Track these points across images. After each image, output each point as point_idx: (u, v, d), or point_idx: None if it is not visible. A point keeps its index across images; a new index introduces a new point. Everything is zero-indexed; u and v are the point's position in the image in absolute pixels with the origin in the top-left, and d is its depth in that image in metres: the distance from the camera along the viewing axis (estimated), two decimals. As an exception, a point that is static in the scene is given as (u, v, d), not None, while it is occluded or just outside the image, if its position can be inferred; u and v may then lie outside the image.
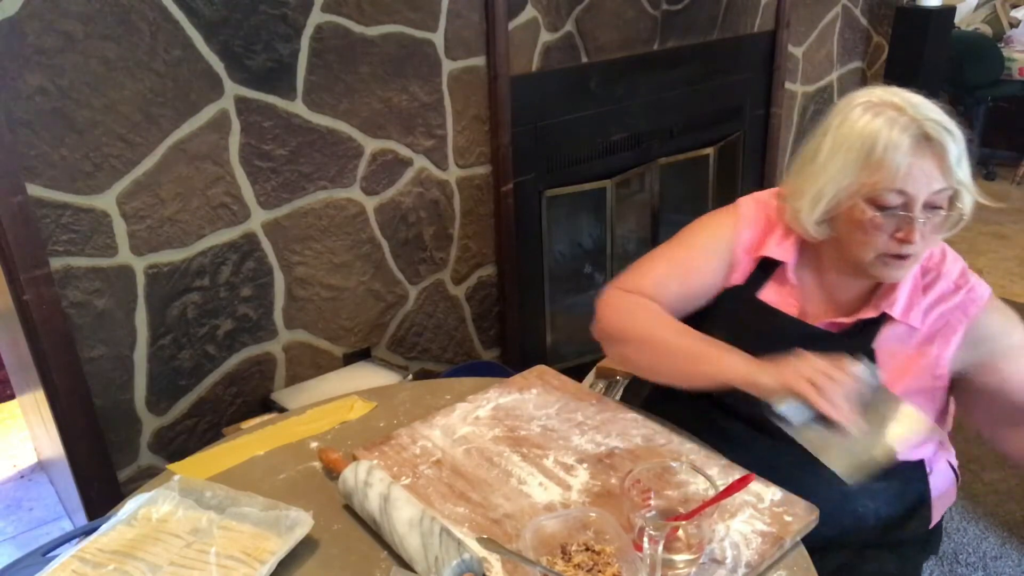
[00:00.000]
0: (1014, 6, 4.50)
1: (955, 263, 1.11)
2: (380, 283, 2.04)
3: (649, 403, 1.25)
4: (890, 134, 0.98)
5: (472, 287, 2.25)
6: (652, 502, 0.90)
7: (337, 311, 1.98)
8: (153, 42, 1.54)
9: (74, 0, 1.43)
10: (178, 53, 1.57)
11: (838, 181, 1.03)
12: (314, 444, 1.12)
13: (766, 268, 1.15)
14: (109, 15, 1.48)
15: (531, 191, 2.26)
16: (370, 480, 0.94)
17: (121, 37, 1.50)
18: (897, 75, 3.28)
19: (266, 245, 1.81)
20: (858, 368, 0.93)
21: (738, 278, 1.17)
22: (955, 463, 1.22)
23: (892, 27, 3.27)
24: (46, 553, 0.92)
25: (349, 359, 2.04)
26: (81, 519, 1.81)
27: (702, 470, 0.92)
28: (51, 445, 1.88)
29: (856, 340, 1.08)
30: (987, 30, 4.42)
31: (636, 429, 1.11)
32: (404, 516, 0.88)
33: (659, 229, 2.69)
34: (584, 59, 2.27)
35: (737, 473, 1.00)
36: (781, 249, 1.14)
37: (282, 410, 1.82)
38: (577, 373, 1.85)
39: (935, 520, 1.17)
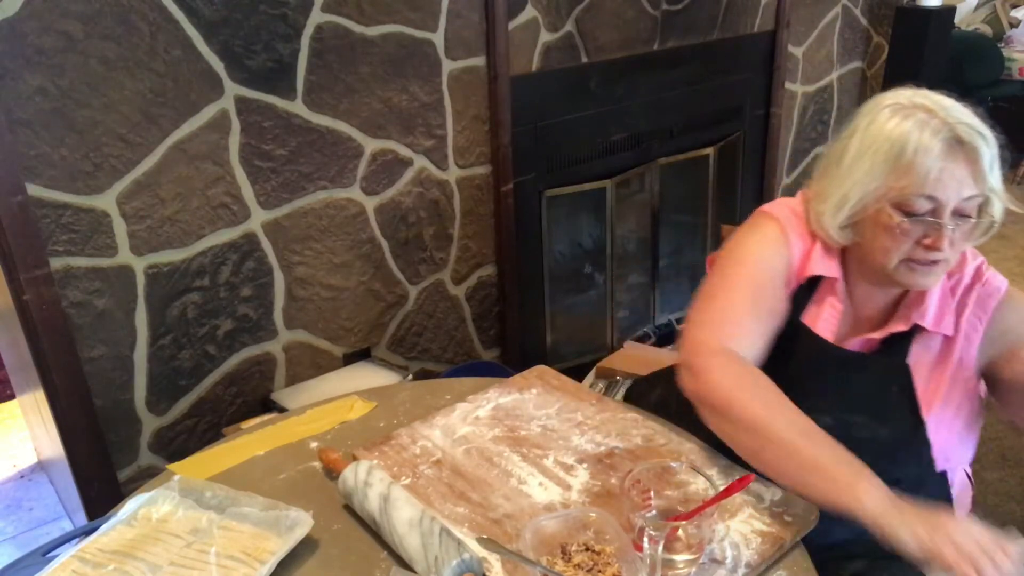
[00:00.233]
0: (1014, 6, 4.50)
1: (973, 260, 1.08)
2: (380, 283, 2.04)
3: (648, 403, 1.25)
4: (920, 137, 0.95)
5: (472, 287, 2.25)
6: (652, 502, 0.90)
7: (337, 311, 1.98)
8: (153, 42, 1.54)
9: (74, 0, 1.43)
10: (178, 53, 1.57)
11: (865, 185, 0.99)
12: (314, 444, 1.12)
13: (810, 286, 1.09)
14: (109, 15, 1.48)
15: (531, 191, 2.26)
16: (370, 480, 0.94)
17: (121, 37, 1.50)
18: (897, 75, 3.28)
19: (266, 245, 1.81)
20: (1018, 548, 0.84)
21: None
22: (970, 471, 1.20)
23: (892, 27, 3.27)
24: (46, 553, 0.92)
25: (349, 359, 2.04)
26: (81, 519, 1.81)
27: (702, 470, 0.92)
28: (51, 445, 1.88)
29: (890, 358, 1.05)
30: (987, 30, 4.42)
31: (636, 429, 1.11)
32: (404, 516, 0.88)
33: (659, 229, 2.69)
34: (584, 59, 2.27)
35: (737, 473, 1.00)
36: (827, 264, 1.07)
37: (282, 410, 1.82)
38: (577, 373, 1.85)
39: None
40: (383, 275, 2.04)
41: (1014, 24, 4.38)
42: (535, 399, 1.19)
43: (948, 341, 1.06)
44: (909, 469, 1.06)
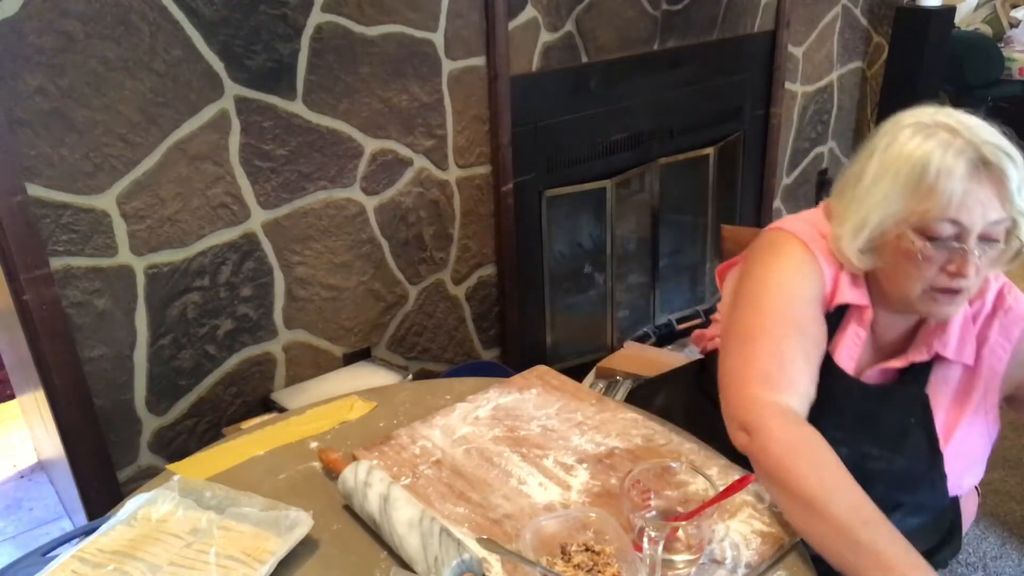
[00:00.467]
0: (1014, 6, 4.50)
1: (995, 283, 1.03)
2: (380, 283, 2.04)
3: (652, 409, 1.25)
4: (943, 158, 0.90)
5: (472, 287, 2.25)
6: (652, 502, 0.90)
7: (337, 311, 1.98)
8: (153, 42, 1.54)
9: (74, 0, 1.43)
10: (178, 53, 1.57)
11: (884, 208, 0.94)
12: (314, 444, 1.12)
13: (838, 312, 1.03)
14: (109, 15, 1.48)
15: (531, 191, 2.26)
16: (370, 480, 0.94)
17: (121, 37, 1.50)
18: (897, 75, 3.28)
19: (266, 245, 1.81)
20: None
21: None
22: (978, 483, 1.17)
23: (892, 27, 3.27)
24: (46, 553, 0.92)
25: (349, 359, 2.04)
26: (81, 519, 1.81)
27: (702, 470, 0.92)
28: (51, 445, 1.88)
29: (909, 388, 1.02)
30: (987, 30, 4.42)
31: (636, 429, 1.11)
32: (404, 516, 0.88)
33: (659, 229, 2.69)
34: (584, 59, 2.27)
35: (737, 473, 1.00)
36: (856, 292, 1.01)
37: (282, 410, 1.82)
38: (577, 373, 1.85)
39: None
40: (383, 275, 2.04)
41: (1014, 24, 4.38)
42: (535, 399, 1.19)
43: (969, 370, 1.03)
44: (922, 498, 1.04)
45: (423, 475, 1.03)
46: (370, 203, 1.96)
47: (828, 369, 1.01)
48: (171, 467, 1.07)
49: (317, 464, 1.08)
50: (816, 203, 3.57)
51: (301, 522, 0.90)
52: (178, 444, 1.79)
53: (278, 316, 1.88)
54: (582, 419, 1.14)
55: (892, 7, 3.28)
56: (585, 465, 1.04)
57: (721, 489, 0.86)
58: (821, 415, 0.96)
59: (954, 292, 0.93)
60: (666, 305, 2.83)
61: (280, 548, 0.88)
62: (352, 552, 0.91)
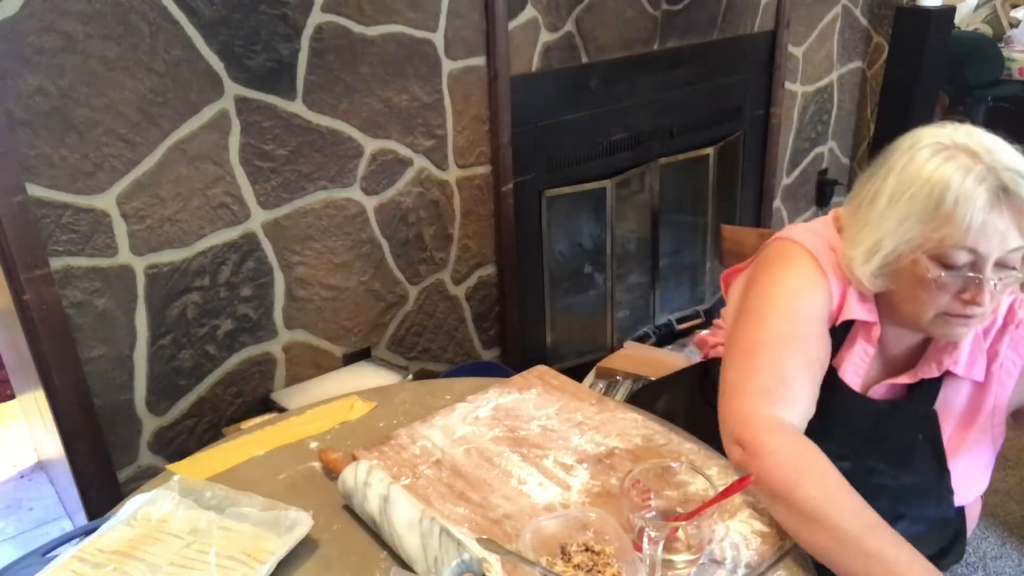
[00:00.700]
0: (1014, 6, 4.50)
1: (1007, 297, 1.01)
2: (380, 283, 2.04)
3: (647, 403, 1.25)
4: (963, 184, 0.87)
5: (472, 287, 2.25)
6: (652, 502, 0.90)
7: (337, 311, 1.98)
8: (153, 42, 1.54)
9: (74, 0, 1.43)
10: (178, 53, 1.57)
11: (899, 233, 0.91)
12: (314, 444, 1.12)
13: (844, 327, 1.01)
14: (109, 15, 1.48)
15: (531, 191, 2.26)
16: (370, 480, 0.94)
17: (121, 37, 1.50)
18: (897, 75, 3.28)
19: (266, 245, 1.81)
20: None
21: None
22: None
23: (892, 27, 3.27)
24: (46, 553, 0.92)
25: (349, 359, 2.04)
26: (81, 519, 1.81)
27: (702, 470, 0.92)
28: (51, 445, 1.88)
29: (917, 405, 1.01)
30: (987, 30, 4.42)
31: (636, 429, 1.11)
32: (404, 516, 0.88)
33: (659, 229, 2.69)
34: (584, 59, 2.27)
35: (737, 473, 1.00)
36: (864, 308, 0.99)
37: (282, 410, 1.82)
38: (577, 373, 1.85)
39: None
40: (383, 275, 2.04)
41: (1014, 24, 4.38)
42: (535, 399, 1.19)
43: (978, 386, 1.02)
44: (928, 512, 1.04)
45: (423, 475, 1.03)
46: (370, 203, 1.96)
47: (834, 385, 1.00)
48: (171, 467, 1.07)
49: (317, 464, 1.08)
50: (816, 203, 3.56)
51: (301, 522, 0.90)
52: (178, 444, 1.79)
53: (278, 316, 1.88)
54: (582, 419, 1.14)
55: (892, 7, 3.28)
56: (585, 465, 1.04)
57: (721, 489, 0.86)
58: (826, 431, 0.94)
59: (967, 317, 0.92)
60: (666, 305, 2.84)
61: (280, 548, 0.88)
62: (352, 552, 0.91)
